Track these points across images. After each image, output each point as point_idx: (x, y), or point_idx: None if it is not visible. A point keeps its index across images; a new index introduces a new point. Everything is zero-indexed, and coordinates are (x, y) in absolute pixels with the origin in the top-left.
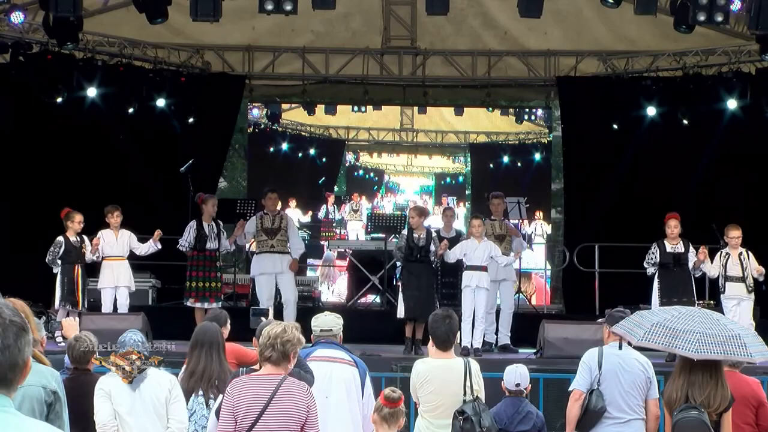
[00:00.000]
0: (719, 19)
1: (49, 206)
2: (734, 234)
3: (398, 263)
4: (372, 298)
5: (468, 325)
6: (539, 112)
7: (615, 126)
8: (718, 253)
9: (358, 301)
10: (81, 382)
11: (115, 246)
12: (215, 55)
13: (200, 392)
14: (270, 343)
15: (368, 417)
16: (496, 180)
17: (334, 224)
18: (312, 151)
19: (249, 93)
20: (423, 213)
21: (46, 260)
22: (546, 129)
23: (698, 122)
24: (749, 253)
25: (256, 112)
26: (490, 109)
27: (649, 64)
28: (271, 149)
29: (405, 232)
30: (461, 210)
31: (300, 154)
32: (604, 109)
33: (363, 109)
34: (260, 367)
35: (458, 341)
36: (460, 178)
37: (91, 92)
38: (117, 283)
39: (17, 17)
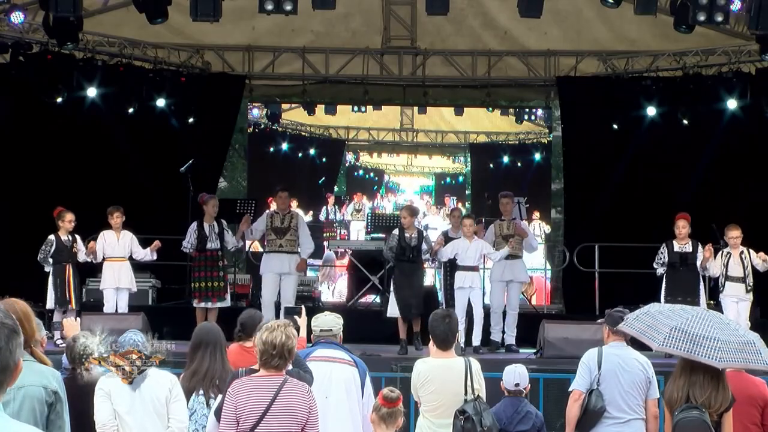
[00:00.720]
0: (719, 19)
1: (49, 206)
2: (733, 234)
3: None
4: (372, 298)
5: (462, 325)
6: (539, 112)
7: (615, 126)
8: (720, 253)
9: (358, 301)
10: (80, 382)
11: (117, 247)
12: (215, 55)
13: (200, 391)
14: (277, 352)
15: (368, 417)
16: (496, 180)
17: (335, 225)
18: (312, 151)
19: (249, 93)
20: (414, 213)
21: (38, 258)
22: (546, 129)
23: (698, 122)
24: (750, 251)
25: (256, 112)
26: (490, 109)
27: (649, 64)
28: (271, 149)
29: (396, 232)
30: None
31: (300, 154)
32: (604, 109)
33: (363, 109)
34: (259, 368)
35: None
36: (460, 178)
37: (91, 92)
38: (118, 284)
39: (17, 17)
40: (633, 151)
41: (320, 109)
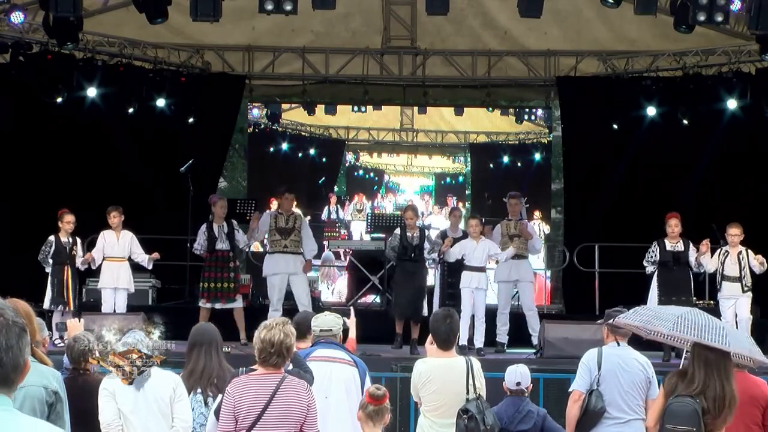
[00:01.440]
0: (719, 19)
1: (49, 206)
2: (733, 232)
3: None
4: (372, 298)
5: (466, 324)
6: (539, 112)
7: (615, 126)
8: (718, 250)
9: (358, 301)
10: (80, 382)
11: (116, 247)
12: (215, 55)
13: (198, 391)
14: (275, 350)
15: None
16: (496, 180)
17: (338, 225)
18: (312, 151)
19: (249, 93)
20: (417, 212)
21: (38, 258)
22: (546, 129)
23: (698, 122)
24: (749, 251)
25: (256, 112)
26: (490, 109)
27: (649, 64)
28: (271, 149)
29: (398, 231)
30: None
31: (300, 154)
32: (604, 109)
33: (363, 109)
34: (258, 367)
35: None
36: (460, 178)
37: (91, 92)
38: (117, 284)
39: (17, 17)
40: (633, 151)
41: (320, 109)
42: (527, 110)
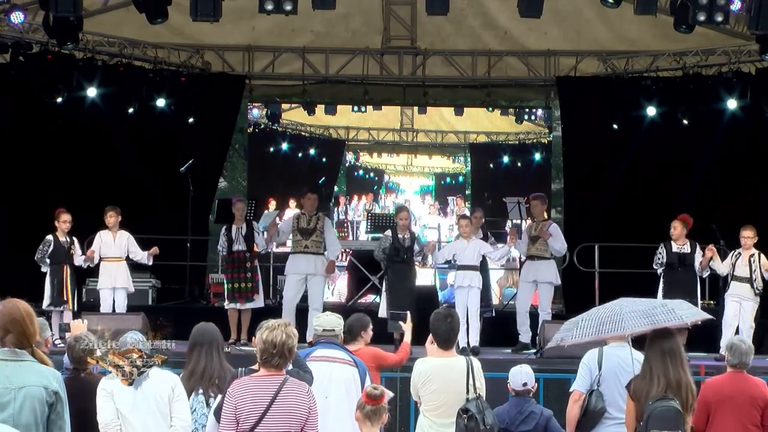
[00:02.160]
0: (719, 19)
1: (49, 206)
2: (746, 234)
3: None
4: (372, 298)
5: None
6: (539, 112)
7: (615, 126)
8: (732, 252)
9: (358, 301)
10: (81, 382)
11: (113, 247)
12: (215, 55)
13: (200, 391)
14: (277, 351)
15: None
16: (496, 180)
17: (346, 225)
18: (312, 151)
19: (249, 93)
20: (410, 213)
21: (35, 258)
22: (546, 129)
23: (698, 122)
24: (761, 255)
25: (256, 112)
26: (490, 109)
27: (649, 64)
28: (271, 149)
29: (389, 233)
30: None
31: (300, 154)
32: (604, 109)
33: (363, 109)
34: (259, 368)
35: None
36: (460, 178)
37: (91, 92)
38: (115, 284)
39: (17, 17)
40: (633, 151)
41: (320, 109)
42: (527, 110)
